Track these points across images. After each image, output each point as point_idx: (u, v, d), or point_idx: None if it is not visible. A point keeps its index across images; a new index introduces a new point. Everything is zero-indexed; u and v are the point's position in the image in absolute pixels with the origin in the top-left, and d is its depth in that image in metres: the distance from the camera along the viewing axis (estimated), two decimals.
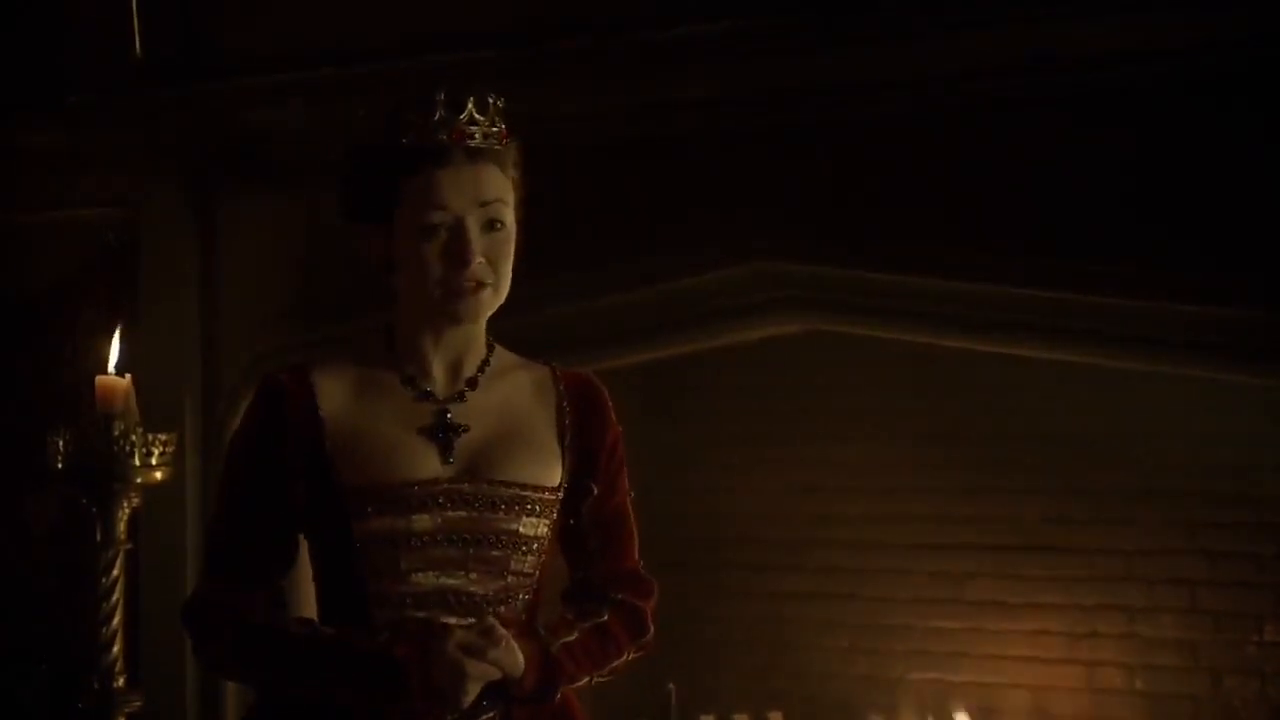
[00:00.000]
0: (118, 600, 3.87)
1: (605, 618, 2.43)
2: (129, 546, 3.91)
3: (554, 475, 2.40)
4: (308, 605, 2.39)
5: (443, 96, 2.30)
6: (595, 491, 2.44)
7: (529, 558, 2.38)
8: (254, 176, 4.56)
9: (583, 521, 2.45)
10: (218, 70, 4.48)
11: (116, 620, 3.87)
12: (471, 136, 2.30)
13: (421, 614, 2.29)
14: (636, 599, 2.47)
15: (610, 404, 2.49)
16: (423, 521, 2.30)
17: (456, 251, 2.28)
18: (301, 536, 2.38)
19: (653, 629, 2.48)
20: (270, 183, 4.51)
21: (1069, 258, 3.81)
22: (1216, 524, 4.29)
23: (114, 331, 3.93)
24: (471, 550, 2.33)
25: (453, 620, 2.30)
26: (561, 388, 2.46)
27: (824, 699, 4.74)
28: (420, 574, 2.30)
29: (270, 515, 2.34)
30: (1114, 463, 4.40)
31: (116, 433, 3.80)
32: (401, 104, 2.32)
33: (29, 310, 5.06)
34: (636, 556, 2.51)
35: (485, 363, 2.42)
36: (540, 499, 2.38)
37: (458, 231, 2.29)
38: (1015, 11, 3.66)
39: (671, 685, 4.49)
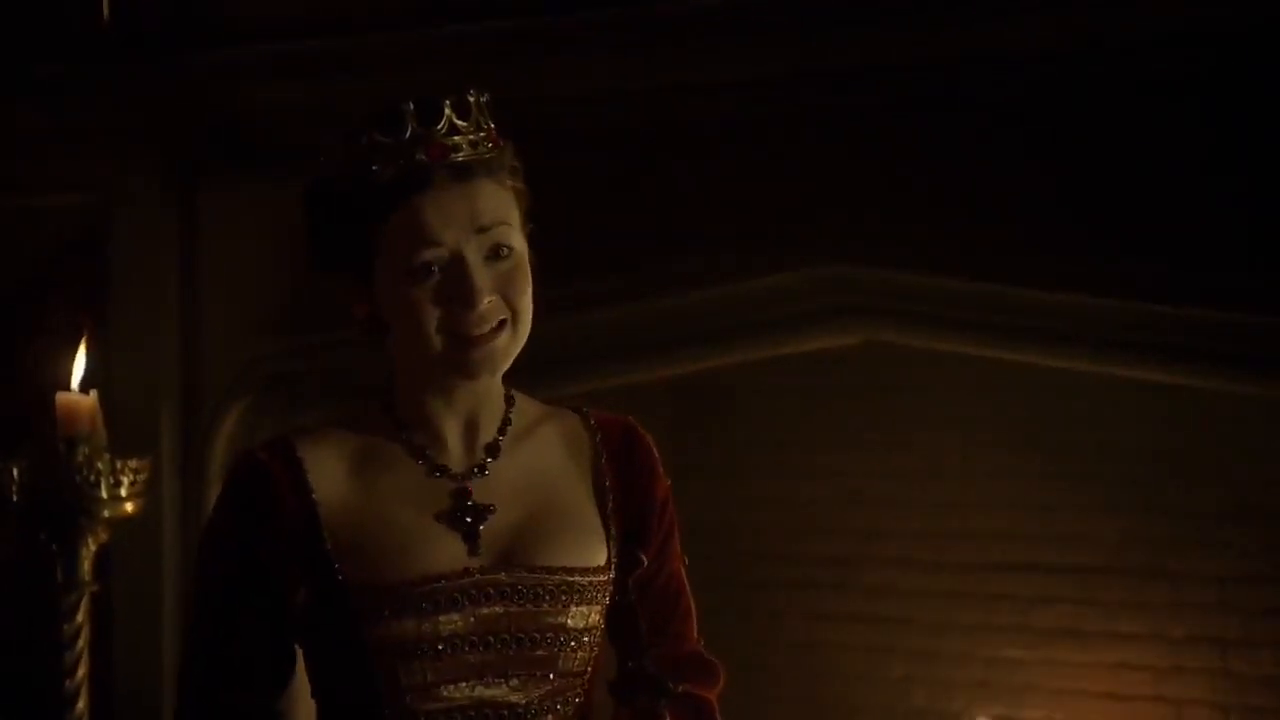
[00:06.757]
0: (82, 649, 3.66)
1: (665, 718, 2.12)
2: (95, 588, 3.69)
3: (599, 553, 2.09)
4: None
5: (412, 106, 1.95)
6: (645, 562, 2.13)
7: (579, 654, 2.07)
8: (242, 161, 4.33)
9: (629, 598, 2.13)
10: (201, 39, 4.24)
11: (81, 672, 3.67)
12: (456, 149, 1.96)
13: None
14: (700, 689, 2.17)
15: (656, 454, 2.18)
16: (452, 623, 1.99)
17: (459, 293, 1.95)
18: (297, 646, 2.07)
19: None
20: (261, 169, 4.24)
21: (1141, 261, 3.60)
22: None
23: (78, 340, 3.72)
24: (512, 652, 2.02)
25: None
26: (598, 439, 2.14)
27: None
28: (451, 686, 2.00)
29: (260, 625, 2.02)
30: (1203, 478, 4.18)
31: (80, 459, 3.60)
32: (363, 123, 1.97)
33: None
34: (696, 636, 2.21)
35: (506, 422, 2.09)
36: (590, 582, 2.07)
37: (456, 268, 1.95)
38: None
39: None
